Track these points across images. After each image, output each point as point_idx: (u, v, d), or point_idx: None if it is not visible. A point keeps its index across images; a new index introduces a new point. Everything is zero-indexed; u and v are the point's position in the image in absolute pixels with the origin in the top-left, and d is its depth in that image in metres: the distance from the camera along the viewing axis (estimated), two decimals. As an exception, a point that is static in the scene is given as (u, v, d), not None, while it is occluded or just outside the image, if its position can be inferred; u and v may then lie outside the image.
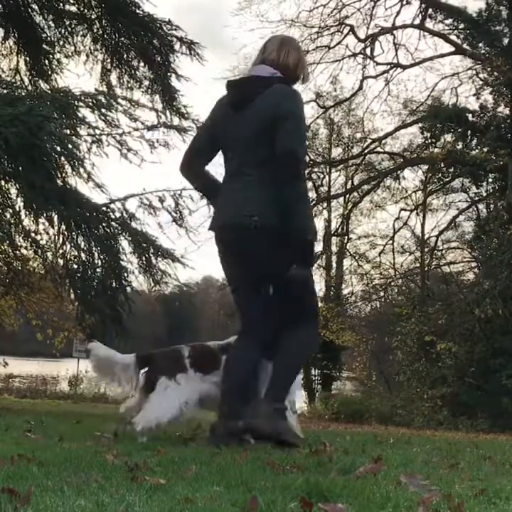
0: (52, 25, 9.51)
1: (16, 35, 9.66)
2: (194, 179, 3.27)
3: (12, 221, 7.91)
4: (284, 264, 2.84)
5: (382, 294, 23.07)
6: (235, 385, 2.99)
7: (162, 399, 3.20)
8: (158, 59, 9.08)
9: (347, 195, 24.21)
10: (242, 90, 2.95)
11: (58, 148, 6.58)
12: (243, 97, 2.91)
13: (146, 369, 3.33)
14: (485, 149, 17.49)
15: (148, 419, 3.20)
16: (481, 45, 17.79)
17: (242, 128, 2.88)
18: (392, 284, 23.04)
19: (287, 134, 2.81)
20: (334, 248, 25.65)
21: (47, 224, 7.74)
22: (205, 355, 3.32)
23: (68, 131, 6.91)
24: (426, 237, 22.19)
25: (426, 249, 21.87)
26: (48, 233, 8.15)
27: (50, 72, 9.74)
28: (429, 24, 18.91)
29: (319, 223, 28.02)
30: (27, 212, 7.34)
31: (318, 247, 22.12)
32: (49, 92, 8.72)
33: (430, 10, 18.76)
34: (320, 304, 26.26)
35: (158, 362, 3.33)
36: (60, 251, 7.96)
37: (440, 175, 20.58)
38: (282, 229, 2.80)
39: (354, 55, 19.65)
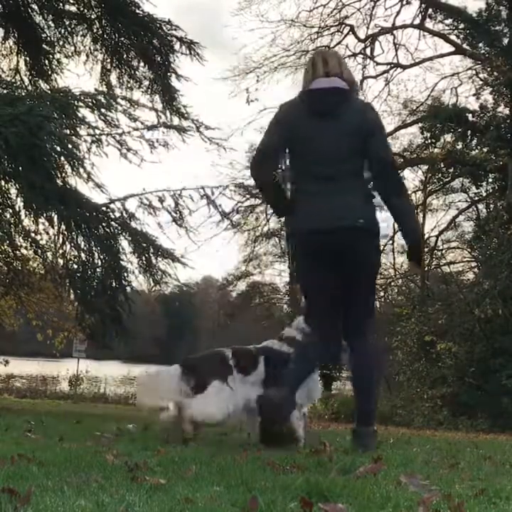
0: (52, 25, 9.51)
1: (16, 35, 9.66)
2: (265, 179, 3.25)
3: (12, 221, 7.90)
4: (377, 265, 3.24)
5: (382, 294, 23.06)
6: (361, 397, 3.15)
7: (214, 400, 3.21)
8: (158, 59, 9.08)
9: (347, 196, 24.21)
10: (329, 100, 3.07)
11: (58, 148, 6.58)
12: (330, 107, 3.06)
13: (194, 374, 3.30)
14: (485, 149, 17.48)
15: (200, 412, 3.21)
16: (481, 45, 17.79)
17: (334, 138, 3.03)
18: (392, 284, 23.03)
19: (383, 146, 3.14)
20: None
21: (47, 224, 7.74)
22: (246, 358, 3.38)
23: (68, 131, 6.91)
24: (426, 237, 22.18)
25: (426, 249, 21.86)
26: (48, 233, 8.15)
27: (50, 72, 9.73)
28: (429, 24, 18.94)
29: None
30: (27, 212, 7.33)
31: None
32: (49, 92, 8.72)
33: (430, 10, 18.76)
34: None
35: (206, 366, 3.33)
36: (60, 251, 7.96)
37: (440, 175, 20.56)
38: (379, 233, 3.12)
39: (354, 55, 19.66)
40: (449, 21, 18.48)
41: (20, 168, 6.46)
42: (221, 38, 66.53)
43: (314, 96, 3.10)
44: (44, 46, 9.68)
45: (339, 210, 2.98)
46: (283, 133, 3.13)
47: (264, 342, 3.55)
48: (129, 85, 9.40)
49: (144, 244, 7.92)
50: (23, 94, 7.70)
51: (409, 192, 22.26)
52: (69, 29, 9.45)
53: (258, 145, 3.34)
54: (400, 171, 3.23)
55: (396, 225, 20.44)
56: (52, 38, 9.65)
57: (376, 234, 3.11)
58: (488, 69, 17.10)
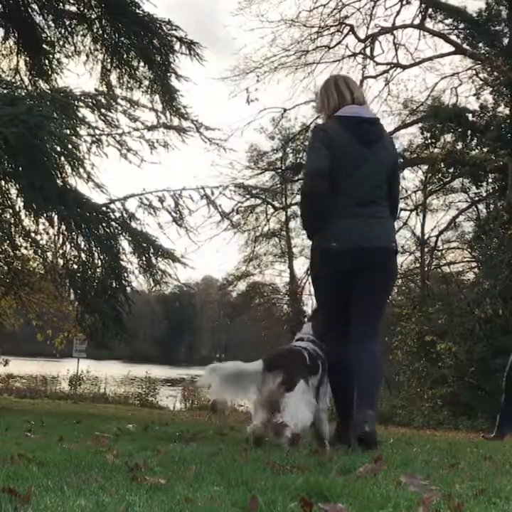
0: (52, 25, 9.51)
1: (16, 35, 9.66)
2: (324, 198, 3.37)
3: (12, 221, 7.91)
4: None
5: (382, 294, 23.03)
6: (368, 384, 3.29)
7: (303, 404, 3.12)
8: (158, 59, 9.07)
9: (347, 195, 24.21)
10: (374, 130, 3.44)
11: (58, 148, 6.58)
12: (374, 138, 3.40)
13: (280, 372, 3.14)
14: (485, 149, 17.48)
15: (298, 424, 3.05)
16: (481, 45, 17.78)
17: (375, 165, 3.37)
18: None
19: (399, 181, 3.72)
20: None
21: (47, 224, 7.75)
22: (313, 359, 3.33)
23: (68, 131, 6.90)
24: (426, 237, 22.19)
25: (426, 249, 21.86)
26: (48, 233, 8.16)
27: (50, 72, 9.73)
28: (429, 24, 18.95)
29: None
30: (27, 212, 7.33)
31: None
32: (49, 92, 8.71)
33: (430, 10, 18.77)
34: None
35: (292, 364, 3.22)
36: (60, 251, 7.96)
37: (440, 175, 20.56)
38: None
39: (354, 55, 19.67)
40: (449, 21, 18.49)
41: (20, 168, 6.46)
42: (216, 35, 66.31)
43: (356, 124, 3.37)
44: (44, 46, 9.68)
45: (379, 233, 3.35)
46: (333, 156, 3.31)
47: (300, 342, 3.47)
48: (129, 85, 9.40)
49: (144, 245, 7.91)
50: (23, 94, 7.70)
51: (409, 192, 22.33)
52: (69, 29, 9.45)
53: (310, 166, 3.49)
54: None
55: (396, 226, 20.60)
56: (52, 38, 9.65)
57: (396, 252, 3.54)
58: (488, 69, 17.09)
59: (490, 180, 18.94)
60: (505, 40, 17.54)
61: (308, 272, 3.40)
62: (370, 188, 3.34)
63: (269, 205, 22.87)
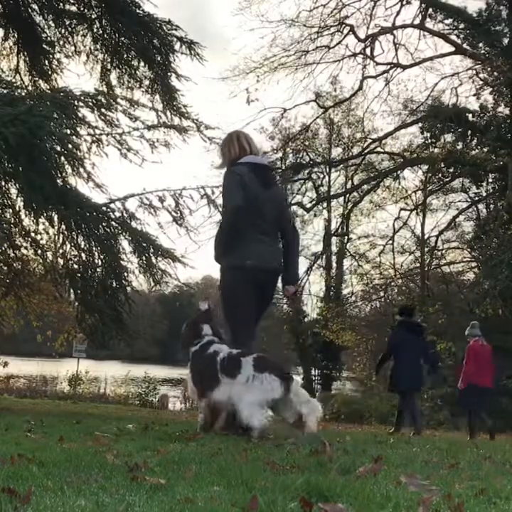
0: (52, 25, 9.51)
1: (16, 35, 9.66)
2: (237, 231, 4.14)
3: (12, 221, 7.91)
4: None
5: (382, 294, 23.05)
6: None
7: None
8: (158, 59, 9.07)
9: (347, 195, 24.22)
10: (271, 176, 4.33)
11: (58, 148, 6.58)
12: (271, 181, 4.28)
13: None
14: (485, 149, 17.49)
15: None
16: (481, 45, 17.79)
17: (272, 204, 4.17)
18: (392, 284, 23.02)
19: (290, 214, 4.57)
20: (334, 248, 25.68)
21: (47, 224, 7.74)
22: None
23: (68, 131, 6.89)
24: (426, 237, 22.19)
25: (426, 249, 21.86)
26: (48, 233, 8.15)
27: (50, 72, 9.73)
28: (429, 24, 18.94)
29: (319, 223, 28.05)
30: (27, 212, 7.33)
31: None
32: (49, 92, 8.71)
33: (430, 10, 18.76)
34: (320, 304, 26.31)
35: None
36: (60, 251, 7.96)
37: (440, 175, 20.56)
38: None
39: (354, 55, 19.66)
40: (449, 21, 18.50)
41: (20, 168, 6.45)
42: (207, 32, 65.84)
43: (259, 169, 4.18)
44: (44, 46, 9.68)
45: (275, 256, 4.22)
46: (246, 196, 4.05)
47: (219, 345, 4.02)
48: (129, 85, 9.39)
49: (144, 244, 7.91)
50: (23, 94, 7.70)
51: (410, 192, 22.34)
52: (69, 29, 9.45)
53: (231, 204, 4.14)
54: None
55: (396, 225, 20.33)
56: (52, 38, 9.65)
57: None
58: (488, 69, 17.09)
59: (490, 180, 18.96)
60: (505, 40, 17.56)
61: (219, 287, 4.08)
62: (269, 222, 4.16)
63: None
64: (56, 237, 7.95)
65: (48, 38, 9.66)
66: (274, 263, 4.18)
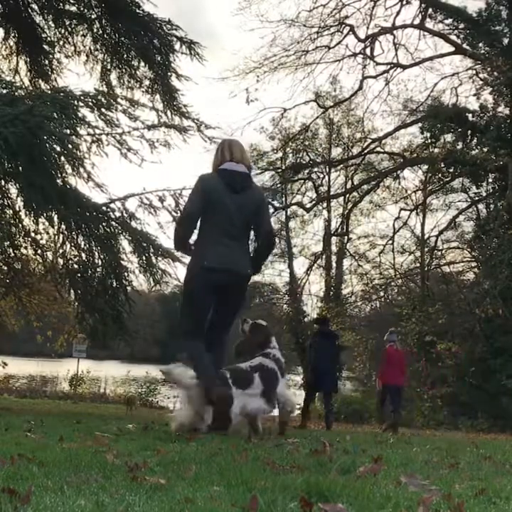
0: (52, 25, 9.50)
1: (16, 35, 9.66)
2: (188, 237, 4.42)
3: (12, 221, 7.90)
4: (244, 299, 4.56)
5: (382, 294, 23.05)
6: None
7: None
8: (159, 59, 9.07)
9: (347, 195, 24.21)
10: (241, 181, 4.30)
11: (58, 148, 6.57)
12: (241, 187, 4.27)
13: None
14: (485, 149, 17.48)
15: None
16: (481, 45, 17.79)
17: (241, 208, 4.24)
18: (392, 284, 23.02)
19: (268, 219, 4.58)
20: (334, 248, 25.66)
21: (47, 224, 7.74)
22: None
23: (68, 131, 6.89)
24: (426, 237, 22.18)
25: (426, 249, 21.85)
26: (48, 233, 8.15)
27: (50, 72, 9.73)
28: (429, 24, 18.95)
29: (319, 223, 28.05)
30: (27, 212, 7.32)
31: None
32: (49, 92, 8.71)
33: (430, 10, 18.76)
34: (320, 304, 26.30)
35: None
36: (60, 251, 7.96)
37: (440, 175, 20.56)
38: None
39: (354, 55, 19.67)
40: (449, 21, 18.50)
41: (20, 168, 6.45)
42: (197, 28, 65.40)
43: (228, 176, 4.28)
44: (44, 46, 9.68)
45: (239, 260, 4.24)
46: (206, 201, 4.23)
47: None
48: (129, 85, 9.39)
49: (144, 244, 7.91)
50: (23, 94, 7.69)
51: (410, 192, 22.36)
52: (69, 29, 9.45)
53: (185, 210, 4.53)
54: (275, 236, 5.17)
55: (396, 225, 20.38)
56: (52, 38, 9.65)
57: (249, 275, 4.42)
58: (488, 69, 17.09)
59: (490, 180, 18.95)
60: (505, 40, 17.55)
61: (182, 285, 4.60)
62: (237, 227, 4.25)
63: (269, 205, 22.84)
64: (56, 237, 7.95)
65: (48, 38, 9.66)
66: (237, 267, 4.22)
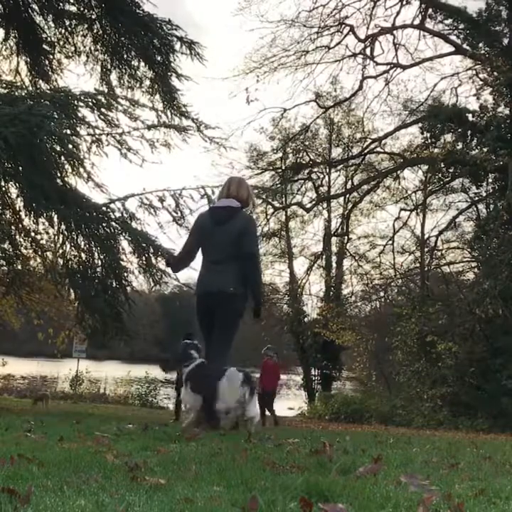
0: (52, 25, 9.51)
1: (17, 35, 9.66)
2: (183, 269, 5.34)
3: (12, 221, 7.91)
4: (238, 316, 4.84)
5: (382, 294, 23.06)
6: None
7: None
8: (159, 58, 9.07)
9: (347, 195, 24.20)
10: (224, 214, 4.87)
11: (58, 148, 6.58)
12: (224, 219, 4.84)
13: None
14: (485, 149, 17.47)
15: None
16: (481, 45, 17.77)
17: (223, 237, 4.76)
18: (392, 284, 23.02)
19: (249, 243, 4.86)
20: (334, 248, 25.64)
21: (47, 224, 7.74)
22: None
23: (68, 131, 6.89)
24: (426, 237, 22.17)
25: (426, 249, 21.85)
26: (48, 233, 8.15)
27: (50, 72, 9.73)
28: (429, 24, 18.93)
29: (319, 223, 28.06)
30: (27, 212, 7.33)
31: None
32: (49, 92, 8.71)
33: (430, 10, 18.75)
34: (320, 304, 26.29)
35: None
36: (60, 251, 7.96)
37: (440, 175, 20.55)
38: (245, 294, 4.80)
39: (354, 55, 19.66)
40: (449, 21, 18.48)
41: (20, 168, 6.46)
42: (186, 24, 65.14)
43: (215, 211, 4.98)
44: (44, 46, 9.68)
45: (220, 280, 4.70)
46: (199, 235, 4.96)
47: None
48: (129, 85, 9.40)
49: (144, 244, 7.91)
50: (23, 94, 7.70)
51: (410, 192, 22.35)
52: (69, 29, 9.45)
53: (184, 246, 5.14)
54: (259, 259, 5.35)
55: (396, 226, 20.31)
56: (52, 38, 9.65)
57: (239, 294, 4.72)
58: (488, 69, 17.09)
59: (490, 180, 18.94)
60: (505, 40, 17.54)
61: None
62: (219, 251, 4.77)
63: (269, 205, 22.87)
64: (56, 237, 7.95)
65: (48, 39, 9.67)
66: (217, 287, 4.70)
